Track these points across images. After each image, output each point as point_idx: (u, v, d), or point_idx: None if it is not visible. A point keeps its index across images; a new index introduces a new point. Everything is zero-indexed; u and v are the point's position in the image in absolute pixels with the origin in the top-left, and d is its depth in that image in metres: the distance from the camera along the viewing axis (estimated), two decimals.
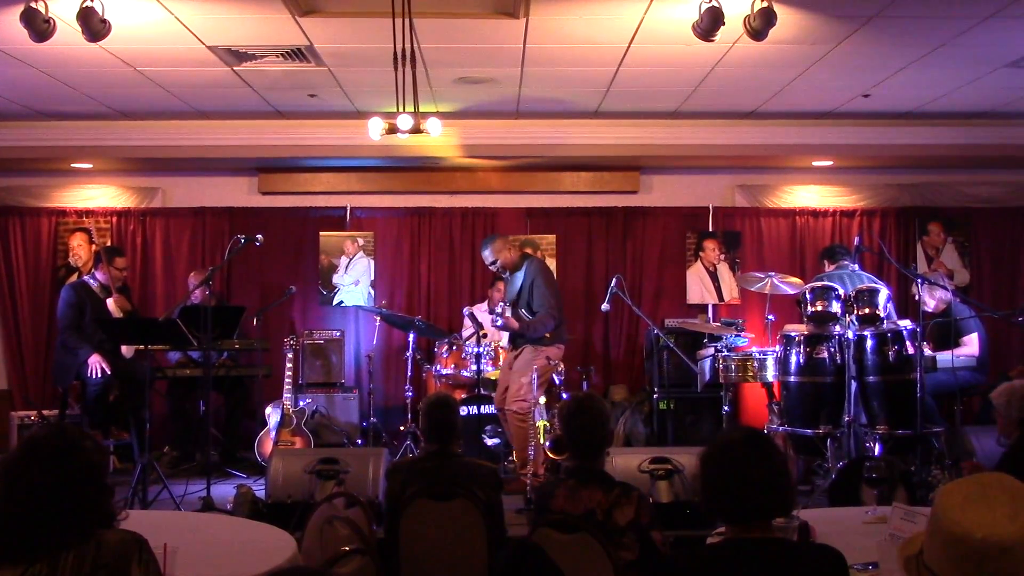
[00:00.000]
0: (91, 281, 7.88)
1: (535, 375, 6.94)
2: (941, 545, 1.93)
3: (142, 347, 7.19)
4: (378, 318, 8.64)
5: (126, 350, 7.65)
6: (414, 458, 6.33)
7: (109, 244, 9.10)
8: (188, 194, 9.58)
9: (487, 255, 7.33)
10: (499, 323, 7.17)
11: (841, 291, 6.44)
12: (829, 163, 9.43)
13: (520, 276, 7.24)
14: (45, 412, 8.34)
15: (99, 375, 7.45)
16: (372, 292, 9.42)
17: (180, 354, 8.28)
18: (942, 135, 8.80)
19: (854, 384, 6.31)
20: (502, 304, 7.19)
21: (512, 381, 7.10)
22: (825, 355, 6.43)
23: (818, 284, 6.62)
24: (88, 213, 9.45)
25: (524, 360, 7.08)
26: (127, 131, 8.73)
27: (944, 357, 7.05)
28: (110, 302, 7.71)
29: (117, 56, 6.71)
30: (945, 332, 7.23)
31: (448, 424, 4.56)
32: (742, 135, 8.89)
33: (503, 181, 9.60)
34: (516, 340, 7.25)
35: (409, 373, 8.23)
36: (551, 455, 6.84)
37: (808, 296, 6.50)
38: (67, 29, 5.67)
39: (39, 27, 5.41)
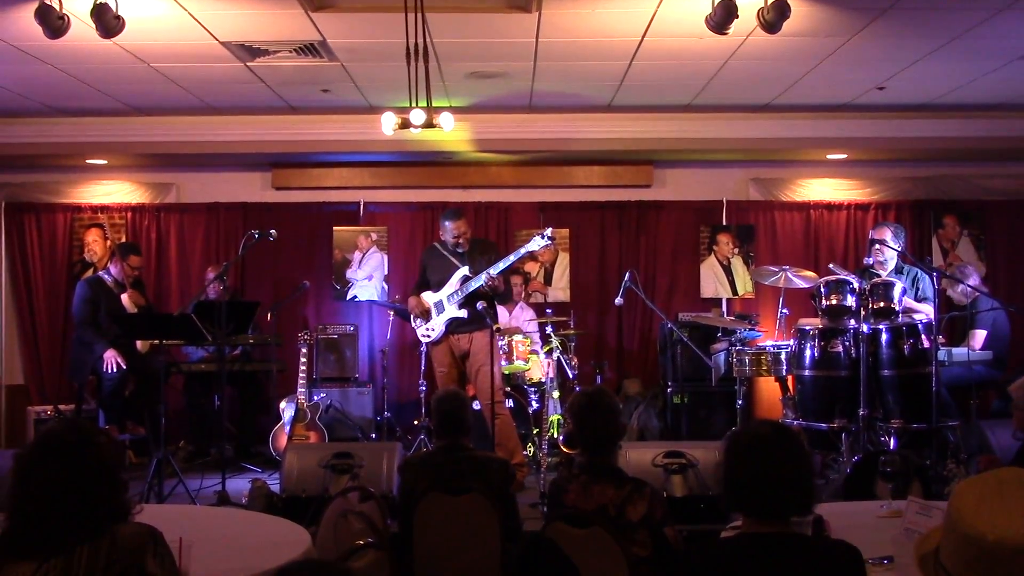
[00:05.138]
0: (106, 276, 7.92)
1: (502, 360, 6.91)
2: (955, 545, 1.91)
3: (157, 342, 7.21)
4: (392, 313, 8.64)
5: (141, 345, 7.68)
6: (426, 453, 6.33)
7: (124, 240, 9.14)
8: (202, 190, 9.61)
9: (461, 225, 7.05)
10: (482, 280, 6.76)
11: (856, 285, 6.41)
12: (843, 156, 9.38)
13: (483, 251, 7.08)
14: (61, 407, 8.38)
15: (115, 370, 7.49)
16: (386, 287, 9.42)
17: (204, 352, 8.30)
18: (957, 128, 8.75)
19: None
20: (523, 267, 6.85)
21: (482, 374, 6.89)
22: (840, 349, 6.39)
23: (832, 278, 6.58)
24: (103, 209, 9.49)
25: (485, 349, 6.83)
26: (141, 127, 8.75)
27: (960, 351, 7.02)
28: (124, 297, 7.74)
29: (131, 52, 6.72)
30: (959, 327, 7.18)
31: (458, 419, 4.56)
32: (756, 128, 8.84)
33: (516, 175, 9.59)
34: (470, 323, 6.92)
35: (423, 367, 8.24)
36: (564, 449, 6.84)
37: (823, 290, 6.46)
38: (81, 26, 5.68)
39: (53, 24, 5.42)
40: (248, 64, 7.09)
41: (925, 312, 6.67)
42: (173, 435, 7.94)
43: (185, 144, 8.85)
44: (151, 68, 7.15)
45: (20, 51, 6.63)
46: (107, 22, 5.45)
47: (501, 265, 6.83)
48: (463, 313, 6.91)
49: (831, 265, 7.04)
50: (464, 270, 6.96)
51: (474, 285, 6.82)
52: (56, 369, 9.29)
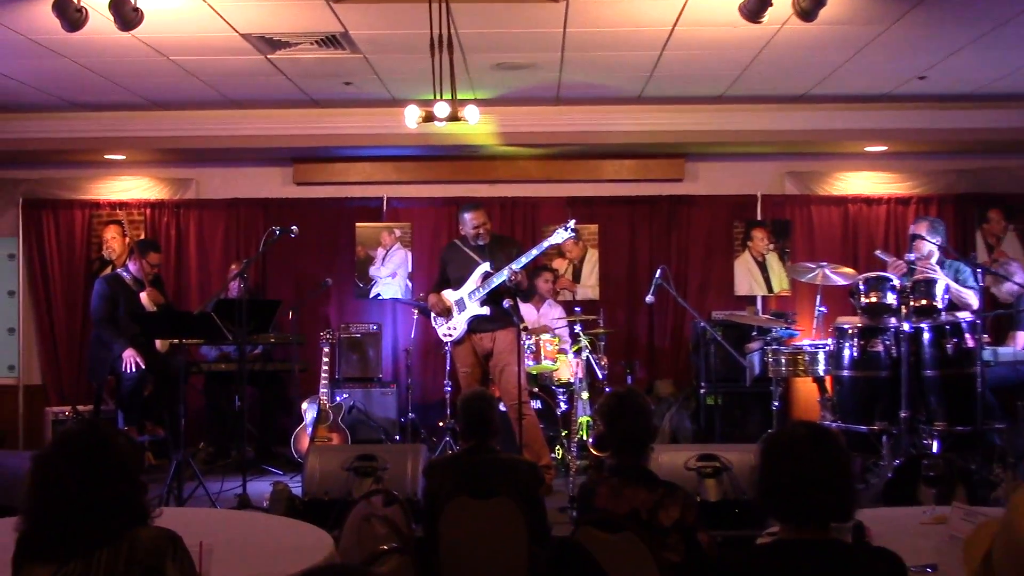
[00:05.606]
0: (124, 274, 7.97)
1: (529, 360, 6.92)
2: (1013, 559, 1.87)
3: (176, 341, 7.26)
4: (416, 311, 8.65)
5: (160, 344, 7.73)
6: (451, 455, 6.33)
7: (143, 237, 9.20)
8: (222, 185, 9.67)
9: (480, 216, 7.04)
10: (505, 276, 6.76)
11: (896, 282, 6.35)
12: (883, 148, 9.30)
13: (503, 246, 7.08)
14: (80, 407, 8.45)
15: (134, 370, 7.54)
16: (410, 284, 9.44)
17: (218, 352, 8.35)
18: (1002, 118, 8.64)
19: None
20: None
21: (506, 374, 6.86)
22: (880, 348, 6.33)
23: (872, 275, 6.53)
24: (122, 205, 9.56)
25: (508, 348, 6.83)
26: (160, 122, 8.82)
27: (1006, 350, 6.94)
28: (143, 295, 7.79)
29: (150, 45, 6.77)
30: (1004, 326, 7.09)
31: (485, 420, 4.56)
32: (791, 120, 8.79)
33: (543, 170, 9.58)
34: (493, 321, 6.91)
35: (448, 367, 8.23)
36: (594, 451, 6.83)
37: (861, 287, 6.41)
38: (99, 18, 5.72)
39: (71, 17, 5.47)
40: (269, 57, 7.12)
41: (970, 295, 6.59)
42: (193, 437, 7.98)
43: (205, 139, 8.92)
44: (170, 61, 7.20)
45: (38, 44, 6.69)
46: (125, 14, 5.49)
47: (524, 259, 6.81)
48: (485, 311, 6.91)
49: (877, 252, 6.97)
50: (485, 266, 6.95)
51: (496, 281, 6.81)
52: (74, 369, 9.37)
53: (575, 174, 9.61)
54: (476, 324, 6.99)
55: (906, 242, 7.51)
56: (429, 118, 6.14)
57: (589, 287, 9.49)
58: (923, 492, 4.74)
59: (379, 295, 9.48)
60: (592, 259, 9.50)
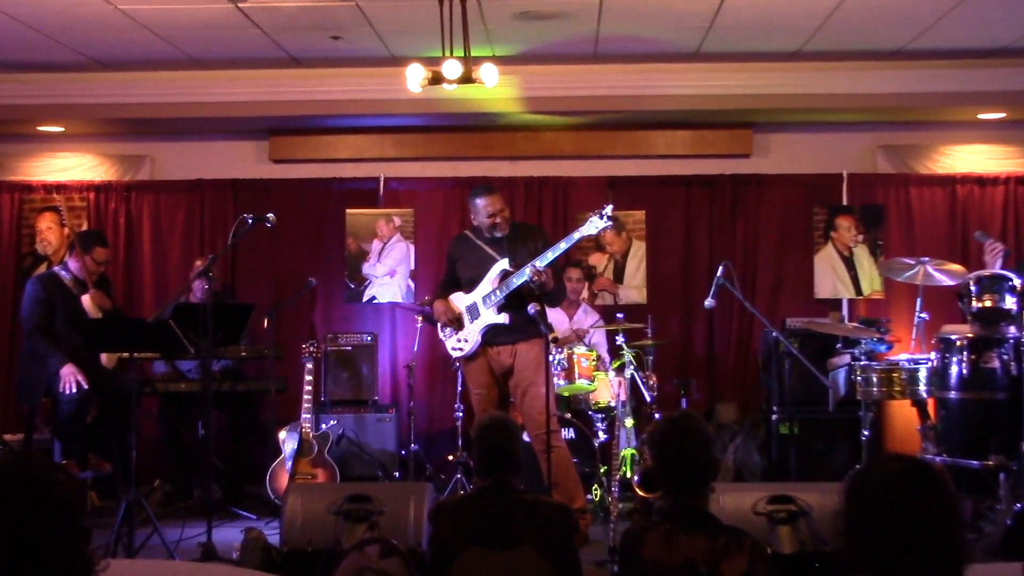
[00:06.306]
0: (63, 273, 7.98)
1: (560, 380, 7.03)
2: None
3: (126, 355, 7.28)
4: (420, 318, 8.66)
5: (106, 359, 7.76)
6: (464, 496, 6.33)
7: (86, 227, 9.24)
8: (183, 163, 9.72)
9: (496, 202, 6.93)
10: (527, 275, 6.62)
11: (1017, 282, 6.31)
12: (1000, 116, 9.26)
13: (526, 237, 7.01)
14: (7, 436, 8.49)
15: (74, 390, 7.56)
16: (412, 285, 9.46)
17: (167, 367, 8.38)
18: None
19: None
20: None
21: (530, 396, 6.82)
22: (996, 364, 6.31)
23: (985, 273, 6.49)
24: (60, 188, 9.60)
25: (533, 364, 6.82)
26: (106, 86, 8.87)
27: None
28: (85, 299, 7.81)
29: None
30: None
31: (505, 452, 4.55)
32: (885, 81, 8.76)
33: (578, 143, 9.61)
34: (513, 330, 6.84)
35: (459, 388, 8.25)
36: (640, 492, 6.82)
37: (973, 288, 6.38)
38: None
39: None
40: (239, 5, 7.15)
41: None
42: (146, 472, 8.02)
43: (161, 107, 8.96)
44: (118, 11, 7.23)
45: None
46: None
47: (550, 255, 6.75)
48: (503, 318, 6.88)
49: (977, 233, 6.93)
50: (503, 263, 6.91)
51: (517, 282, 6.77)
52: (1, 389, 9.43)
53: (617, 149, 9.62)
54: (492, 335, 6.95)
55: None
56: (436, 80, 6.17)
57: (634, 288, 9.49)
58: None
59: (374, 298, 9.51)
60: (638, 254, 9.49)
